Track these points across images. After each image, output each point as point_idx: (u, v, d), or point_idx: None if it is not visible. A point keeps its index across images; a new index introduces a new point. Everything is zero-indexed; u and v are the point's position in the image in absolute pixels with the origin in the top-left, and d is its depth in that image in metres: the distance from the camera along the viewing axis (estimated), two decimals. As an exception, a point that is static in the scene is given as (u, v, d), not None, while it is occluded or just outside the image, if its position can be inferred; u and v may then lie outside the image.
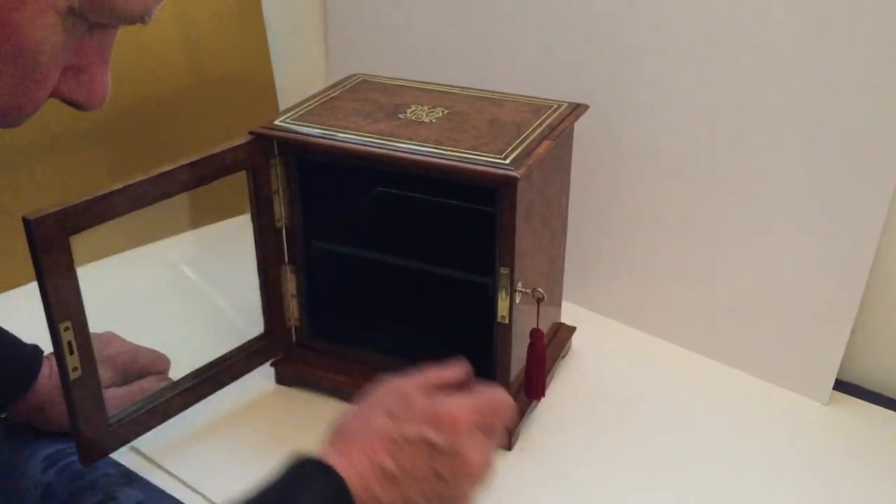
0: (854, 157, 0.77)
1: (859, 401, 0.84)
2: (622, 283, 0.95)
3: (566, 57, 0.90)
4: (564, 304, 0.92)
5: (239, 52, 1.13)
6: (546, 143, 0.71)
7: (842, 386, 0.85)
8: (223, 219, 1.10)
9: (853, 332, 0.82)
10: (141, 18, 0.49)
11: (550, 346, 0.86)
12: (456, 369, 0.60)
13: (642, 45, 0.85)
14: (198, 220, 1.09)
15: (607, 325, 0.95)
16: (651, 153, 0.88)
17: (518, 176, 0.67)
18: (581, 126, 0.80)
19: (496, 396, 0.57)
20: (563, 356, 0.89)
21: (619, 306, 0.95)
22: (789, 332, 0.84)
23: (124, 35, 0.98)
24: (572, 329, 0.90)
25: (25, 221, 0.61)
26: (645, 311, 0.93)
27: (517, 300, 0.73)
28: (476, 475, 0.55)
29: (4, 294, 0.95)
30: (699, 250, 0.88)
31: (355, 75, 0.87)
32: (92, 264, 0.98)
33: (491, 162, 0.68)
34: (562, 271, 0.86)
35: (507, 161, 0.68)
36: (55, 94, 0.49)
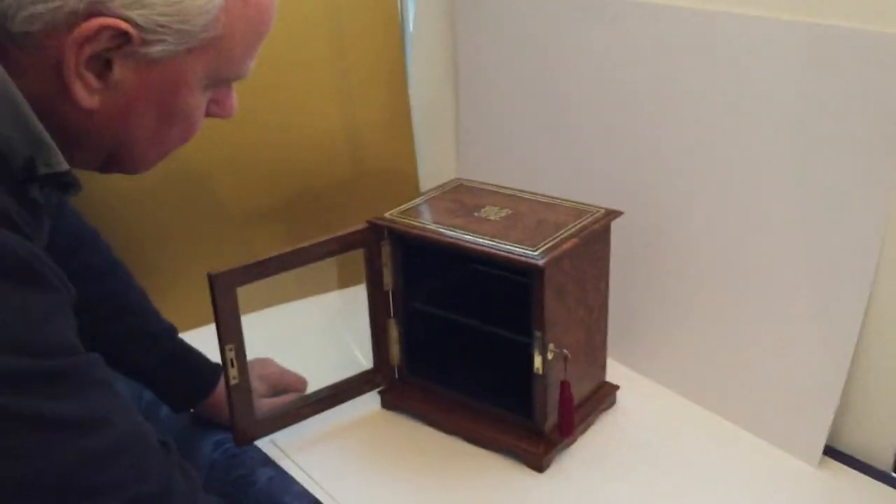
0: (837, 264, 0.95)
1: (847, 468, 0.99)
2: (663, 352, 1.15)
3: (622, 171, 1.14)
4: (619, 366, 1.15)
5: (390, 151, 1.44)
6: (572, 241, 0.96)
7: (834, 453, 1.01)
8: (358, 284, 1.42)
9: (845, 406, 0.98)
10: (242, 77, 0.72)
11: (593, 398, 1.08)
12: None
13: (674, 165, 1.08)
14: (344, 282, 1.41)
15: (649, 385, 1.16)
16: (681, 249, 1.10)
17: (542, 265, 0.91)
18: (628, 223, 1.03)
19: None
20: (607, 408, 1.11)
21: (659, 370, 1.16)
22: (789, 401, 1.02)
23: (300, 136, 1.33)
24: (616, 387, 1.11)
25: (209, 276, 0.94)
26: (678, 375, 1.13)
27: (549, 357, 0.97)
28: None
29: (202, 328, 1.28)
30: (719, 329, 1.08)
31: (456, 179, 1.15)
32: (270, 309, 1.31)
33: (524, 254, 0.93)
34: (604, 340, 1.08)
35: (537, 253, 0.93)
36: (205, 115, 0.73)
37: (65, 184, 0.67)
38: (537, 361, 0.97)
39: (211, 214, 1.31)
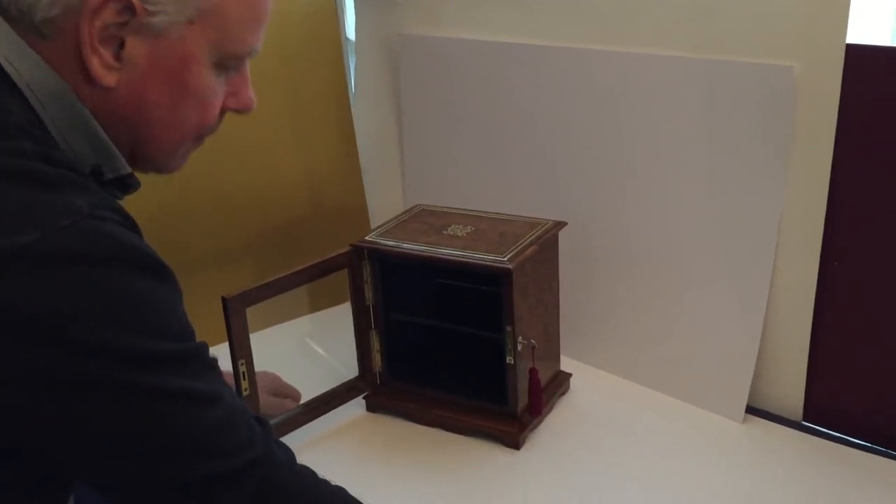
0: (743, 254, 1.16)
1: (766, 421, 1.20)
2: (605, 342, 1.34)
3: (562, 187, 1.33)
4: (569, 360, 1.33)
5: (342, 191, 1.60)
6: (532, 248, 1.14)
7: (754, 411, 1.21)
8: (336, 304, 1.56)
9: (759, 370, 1.19)
10: (252, 55, 0.77)
11: (551, 385, 1.26)
12: None
13: (604, 182, 1.28)
14: (314, 307, 1.55)
15: (595, 372, 1.34)
16: (613, 252, 1.30)
17: (511, 268, 1.09)
18: (572, 232, 1.22)
19: None
20: (563, 393, 1.28)
21: (602, 358, 1.35)
22: (713, 371, 1.22)
23: (263, 181, 1.47)
24: (569, 374, 1.29)
25: (223, 299, 1.07)
26: (619, 360, 1.32)
27: (518, 348, 1.14)
28: None
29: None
30: (650, 317, 1.28)
31: (417, 206, 1.32)
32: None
33: (495, 260, 1.11)
34: (557, 333, 1.26)
35: (506, 259, 1.10)
36: (224, 109, 0.78)
37: (127, 185, 0.76)
38: (509, 353, 1.14)
39: (185, 252, 1.43)
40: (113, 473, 0.67)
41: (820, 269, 1.12)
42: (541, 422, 1.22)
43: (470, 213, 1.26)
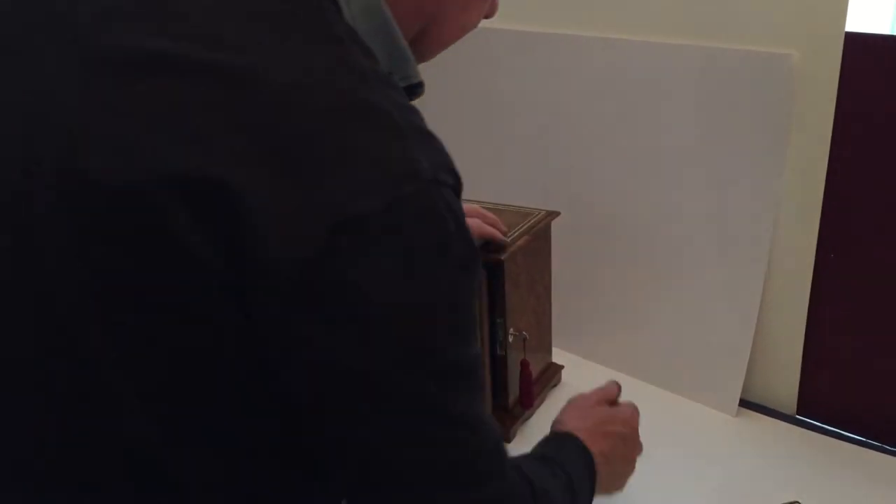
0: (738, 245, 1.15)
1: (759, 414, 1.19)
2: (599, 334, 1.33)
3: (555, 177, 1.31)
4: (561, 352, 1.31)
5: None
6: (525, 238, 1.12)
7: (748, 404, 1.20)
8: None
9: (753, 363, 1.17)
10: None
11: (543, 377, 1.24)
12: (612, 388, 0.97)
13: (598, 171, 1.26)
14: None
15: (587, 364, 1.33)
16: (607, 243, 1.28)
17: (502, 258, 1.07)
18: (564, 222, 1.20)
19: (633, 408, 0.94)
20: (555, 385, 1.27)
21: (595, 351, 1.33)
22: (707, 364, 1.21)
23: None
24: (561, 367, 1.28)
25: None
26: (612, 353, 1.31)
27: (510, 340, 1.12)
28: (637, 454, 0.92)
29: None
30: (644, 309, 1.27)
31: (409, 194, 1.29)
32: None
33: (486, 250, 1.08)
34: (549, 324, 1.24)
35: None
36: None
37: (412, 92, 0.70)
38: (500, 344, 1.12)
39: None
40: (352, 475, 0.59)
41: (816, 261, 1.10)
42: (532, 414, 1.20)
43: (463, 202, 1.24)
